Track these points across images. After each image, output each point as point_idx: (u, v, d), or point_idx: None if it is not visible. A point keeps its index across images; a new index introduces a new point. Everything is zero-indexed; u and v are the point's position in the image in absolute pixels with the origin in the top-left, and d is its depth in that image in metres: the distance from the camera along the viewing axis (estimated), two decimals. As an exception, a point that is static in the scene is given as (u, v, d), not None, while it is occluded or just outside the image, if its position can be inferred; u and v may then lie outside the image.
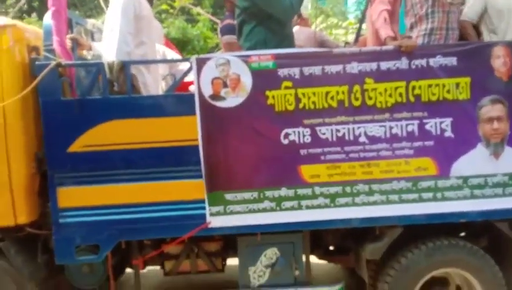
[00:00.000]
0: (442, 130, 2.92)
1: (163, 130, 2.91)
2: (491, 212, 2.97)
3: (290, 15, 3.24)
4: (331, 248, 3.61)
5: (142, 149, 2.92)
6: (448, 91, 2.90)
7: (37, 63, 2.85)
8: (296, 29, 5.01)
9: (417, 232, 3.11)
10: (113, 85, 2.94)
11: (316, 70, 2.90)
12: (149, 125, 2.91)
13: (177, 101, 2.94)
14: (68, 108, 2.89)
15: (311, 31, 4.88)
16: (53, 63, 2.80)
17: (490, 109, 2.91)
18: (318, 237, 3.42)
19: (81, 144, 2.90)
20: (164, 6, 10.98)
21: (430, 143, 2.92)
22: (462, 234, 3.36)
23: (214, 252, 3.40)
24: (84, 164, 2.91)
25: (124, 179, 2.93)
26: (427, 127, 2.92)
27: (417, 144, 2.92)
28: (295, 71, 2.89)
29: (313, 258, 3.49)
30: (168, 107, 2.93)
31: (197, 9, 8.56)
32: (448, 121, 2.91)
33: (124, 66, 2.88)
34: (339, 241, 3.47)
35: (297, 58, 2.93)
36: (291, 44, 3.30)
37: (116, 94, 2.95)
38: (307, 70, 2.90)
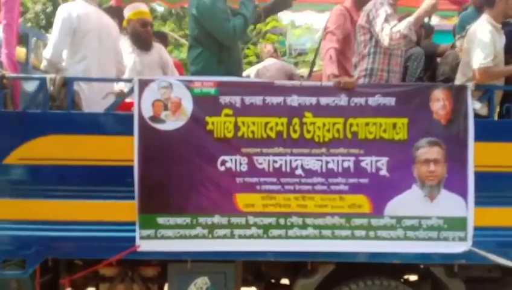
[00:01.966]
0: (378, 169, 2.92)
1: (100, 148, 2.91)
2: (425, 256, 2.94)
3: (232, 38, 3.23)
4: (272, 281, 3.55)
5: (77, 166, 2.91)
6: (384, 130, 2.92)
7: (-19, 74, 2.87)
8: (270, 61, 5.16)
9: (357, 270, 3.06)
10: (55, 100, 2.96)
11: (257, 100, 2.92)
12: (86, 142, 2.91)
13: (117, 120, 2.96)
14: (7, 120, 2.90)
15: (282, 64, 5.03)
16: (-4, 74, 2.83)
17: (427, 150, 2.92)
18: (259, 269, 3.37)
19: (16, 157, 2.88)
20: (186, 32, 11.45)
21: (365, 181, 2.92)
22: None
23: (151, 277, 3.32)
24: (18, 177, 2.90)
25: (56, 195, 2.90)
26: (363, 164, 2.92)
27: (352, 180, 2.92)
28: (236, 100, 2.92)
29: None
30: (107, 125, 2.94)
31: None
32: (384, 160, 2.92)
33: (66, 82, 2.92)
34: (281, 274, 3.42)
35: (239, 87, 2.97)
36: (238, 71, 3.33)
37: (57, 109, 2.97)
38: (248, 99, 2.92)
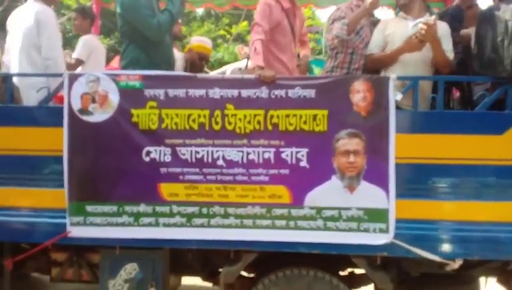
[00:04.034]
0: (298, 160, 2.95)
1: (34, 139, 3.09)
2: (345, 246, 2.93)
3: (157, 34, 3.31)
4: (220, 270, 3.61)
5: (14, 156, 3.11)
6: (305, 122, 2.94)
7: None
8: (245, 62, 5.22)
9: (291, 260, 3.09)
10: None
11: (180, 92, 3.02)
12: (22, 133, 3.10)
13: (50, 113, 3.13)
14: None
15: None
16: None
17: (347, 142, 2.91)
18: (205, 259, 3.45)
19: (-40, 147, 3.11)
20: (222, 32, 11.69)
21: (285, 171, 2.95)
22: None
23: (97, 263, 3.45)
24: (-40, 166, 3.12)
25: (-5, 183, 3.12)
26: (283, 155, 2.95)
27: (272, 171, 2.95)
28: (160, 92, 3.02)
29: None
30: (40, 118, 3.11)
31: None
32: (304, 151, 2.94)
33: (5, 78, 3.12)
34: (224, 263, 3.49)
35: (163, 80, 3.06)
36: (166, 63, 3.41)
37: (-1, 103, 3.18)
38: (172, 92, 3.02)
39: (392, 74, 2.97)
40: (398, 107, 2.95)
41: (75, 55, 4.55)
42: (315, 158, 2.94)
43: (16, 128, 3.11)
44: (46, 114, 3.12)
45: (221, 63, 11.35)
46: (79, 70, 4.47)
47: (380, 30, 3.29)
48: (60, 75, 3.12)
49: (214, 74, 5.20)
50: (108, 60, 5.25)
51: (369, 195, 2.91)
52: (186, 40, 8.94)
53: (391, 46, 3.22)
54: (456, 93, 3.84)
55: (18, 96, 3.21)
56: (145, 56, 3.30)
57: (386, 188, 2.90)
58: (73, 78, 3.06)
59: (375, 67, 3.31)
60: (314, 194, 2.94)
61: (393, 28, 3.24)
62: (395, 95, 2.91)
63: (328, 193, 2.93)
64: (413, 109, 2.97)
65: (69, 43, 10.04)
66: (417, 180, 2.92)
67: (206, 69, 5.11)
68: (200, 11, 14.07)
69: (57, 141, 3.05)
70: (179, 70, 4.18)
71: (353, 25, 3.15)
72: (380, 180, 2.90)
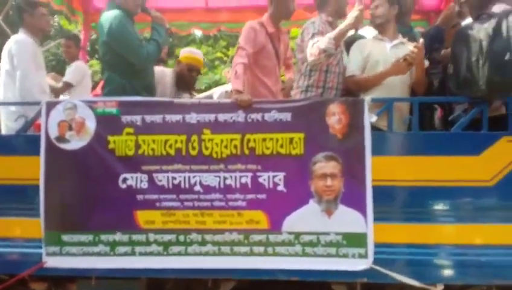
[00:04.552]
0: (275, 184, 2.91)
1: (10, 167, 3.06)
2: (324, 273, 2.86)
3: (145, 63, 3.35)
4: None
5: (-9, 185, 3.09)
6: (281, 146, 2.92)
7: None
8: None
9: (274, 287, 3.03)
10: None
11: (157, 118, 3.01)
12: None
13: (27, 141, 3.11)
14: None
15: None
16: None
17: (324, 165, 2.89)
18: (186, 287, 3.38)
19: None
20: (219, 54, 11.78)
21: (263, 196, 2.91)
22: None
23: None
24: None
25: (-30, 213, 3.08)
26: (260, 180, 2.92)
27: (250, 196, 2.92)
28: (137, 118, 3.02)
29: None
30: (17, 146, 3.10)
31: None
32: (281, 175, 2.91)
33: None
34: None
35: (140, 106, 3.06)
36: (148, 92, 3.41)
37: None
38: (149, 118, 3.01)
39: (367, 96, 2.96)
40: (377, 128, 2.94)
41: (66, 79, 4.61)
42: (292, 182, 2.90)
43: (-7, 158, 3.10)
44: (24, 142, 3.10)
45: (218, 85, 11.36)
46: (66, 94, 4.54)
47: (358, 51, 3.29)
48: (38, 103, 3.12)
49: (201, 96, 5.20)
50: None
51: (347, 219, 2.86)
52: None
53: (371, 66, 3.22)
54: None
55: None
56: (128, 84, 3.30)
57: (363, 212, 2.85)
58: (51, 106, 3.07)
59: (358, 90, 3.30)
60: (292, 219, 2.89)
61: (370, 49, 3.26)
62: (370, 117, 2.90)
63: (306, 218, 2.89)
64: (388, 130, 2.95)
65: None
66: (395, 203, 2.87)
67: (194, 92, 5.09)
68: (198, 34, 14.16)
69: (34, 169, 3.03)
70: (168, 86, 4.14)
71: (339, 40, 3.10)
72: (358, 204, 2.86)
